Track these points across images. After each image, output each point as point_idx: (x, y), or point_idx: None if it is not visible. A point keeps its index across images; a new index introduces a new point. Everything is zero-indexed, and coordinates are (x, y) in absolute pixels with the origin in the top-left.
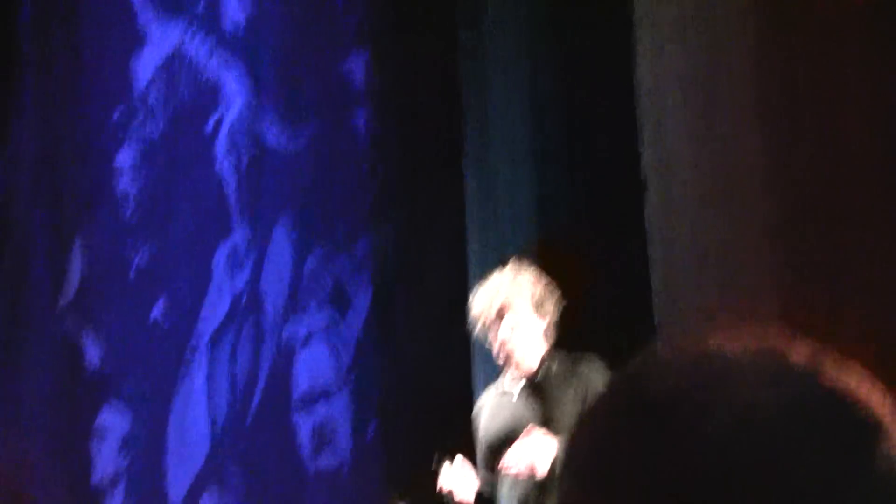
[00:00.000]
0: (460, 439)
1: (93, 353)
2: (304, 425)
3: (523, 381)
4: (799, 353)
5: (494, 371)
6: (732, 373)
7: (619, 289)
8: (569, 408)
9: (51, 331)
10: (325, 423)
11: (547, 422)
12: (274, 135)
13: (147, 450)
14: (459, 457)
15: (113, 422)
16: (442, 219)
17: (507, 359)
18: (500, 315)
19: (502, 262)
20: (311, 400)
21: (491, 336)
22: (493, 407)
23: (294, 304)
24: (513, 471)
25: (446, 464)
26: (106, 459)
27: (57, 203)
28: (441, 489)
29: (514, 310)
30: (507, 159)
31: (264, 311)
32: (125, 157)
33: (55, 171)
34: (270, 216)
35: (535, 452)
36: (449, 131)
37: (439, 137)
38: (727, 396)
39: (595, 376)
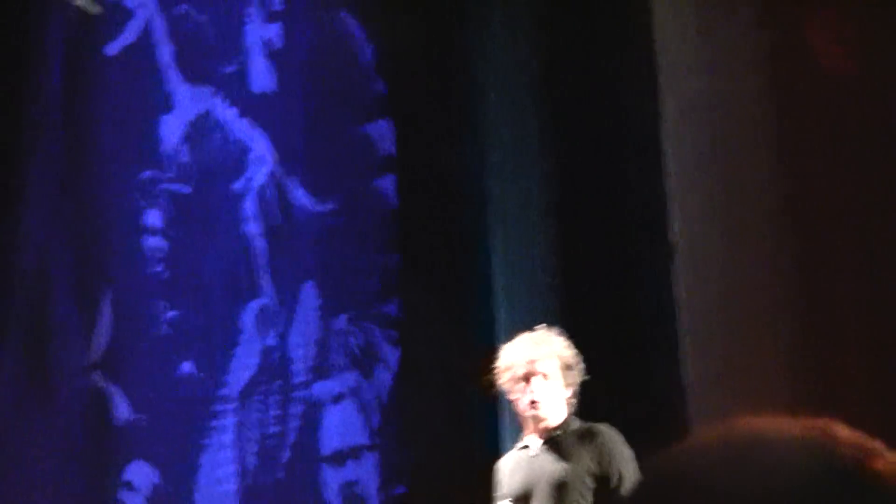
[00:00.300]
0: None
1: (121, 408)
2: (332, 483)
3: (540, 440)
4: (844, 441)
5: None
6: (775, 467)
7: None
8: (583, 469)
9: (80, 385)
10: (353, 482)
11: (562, 479)
12: (301, 197)
13: (176, 503)
14: None
15: (141, 476)
16: (469, 282)
17: (532, 416)
18: (531, 373)
19: (528, 327)
20: (339, 458)
21: (517, 391)
22: (513, 463)
23: (323, 364)
24: None
25: None
26: None
27: (87, 260)
28: None
29: (545, 370)
30: (534, 223)
31: (293, 370)
32: (154, 217)
33: (86, 230)
34: (298, 277)
35: None
36: (476, 194)
37: (466, 202)
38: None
39: (609, 442)
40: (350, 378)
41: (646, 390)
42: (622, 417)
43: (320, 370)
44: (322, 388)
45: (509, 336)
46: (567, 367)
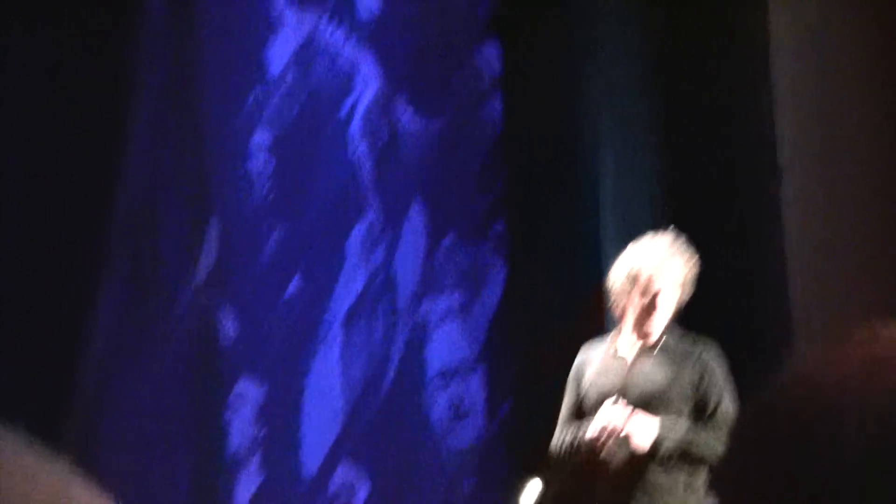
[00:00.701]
0: None
1: (229, 328)
2: (438, 402)
3: (638, 348)
4: None
5: None
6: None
7: (753, 276)
8: (684, 384)
9: (188, 305)
10: (459, 400)
11: (657, 394)
12: (408, 119)
13: (282, 422)
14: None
15: (249, 394)
16: (576, 199)
17: (637, 324)
18: (649, 280)
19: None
20: (445, 377)
21: (631, 297)
22: (602, 364)
23: (429, 283)
24: (611, 425)
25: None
26: (242, 431)
27: (195, 182)
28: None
29: (664, 283)
30: (639, 140)
31: (398, 291)
32: (261, 139)
33: (193, 152)
34: (404, 199)
35: (643, 426)
36: (583, 114)
37: (573, 121)
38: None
39: (713, 363)
40: (457, 297)
41: (750, 308)
42: (725, 332)
43: (427, 289)
44: (429, 307)
45: (617, 251)
46: (684, 284)
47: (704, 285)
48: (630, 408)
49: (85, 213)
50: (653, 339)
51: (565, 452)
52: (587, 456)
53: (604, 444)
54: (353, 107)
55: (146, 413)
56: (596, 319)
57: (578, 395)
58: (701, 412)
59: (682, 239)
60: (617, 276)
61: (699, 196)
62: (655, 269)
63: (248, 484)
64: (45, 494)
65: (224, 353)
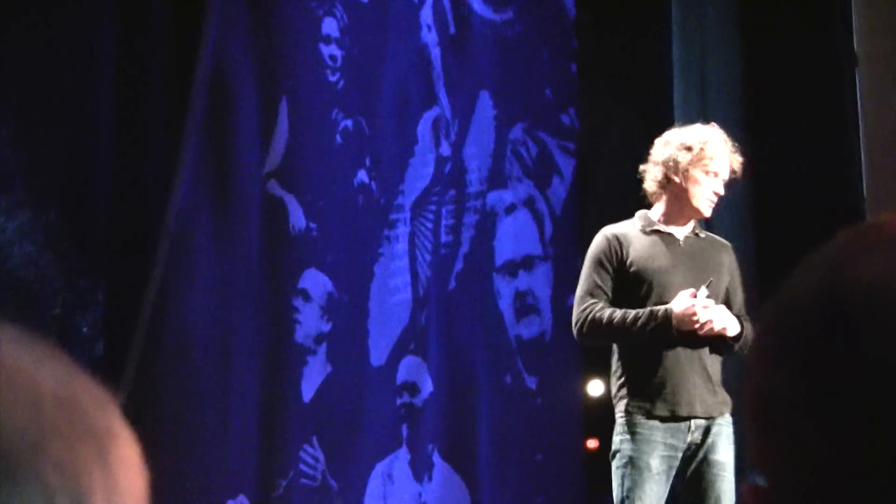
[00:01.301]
0: None
1: (297, 217)
2: (506, 292)
3: (686, 230)
4: None
5: None
6: None
7: (827, 167)
8: (724, 275)
9: (257, 193)
10: (527, 291)
11: (714, 270)
12: (478, 6)
13: (349, 311)
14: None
15: (316, 284)
16: (647, 94)
17: (697, 203)
18: (723, 163)
19: None
20: (512, 268)
21: (703, 178)
22: (646, 242)
23: (497, 174)
24: (709, 326)
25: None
26: (309, 320)
27: (265, 69)
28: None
29: (727, 167)
30: (716, 29)
31: (467, 180)
32: (331, 26)
33: (263, 38)
34: (474, 86)
35: (724, 319)
36: (657, 2)
37: (644, 12)
38: None
39: (734, 264)
40: (524, 188)
41: (823, 202)
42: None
43: (494, 180)
44: (496, 198)
45: None
46: (733, 170)
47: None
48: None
49: (160, 91)
50: (696, 218)
51: (640, 328)
52: (668, 335)
53: (701, 328)
54: None
55: (214, 302)
56: None
57: (619, 274)
58: (725, 303)
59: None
60: (704, 153)
61: (771, 92)
62: (728, 155)
63: (316, 373)
64: (52, 391)
65: (292, 244)
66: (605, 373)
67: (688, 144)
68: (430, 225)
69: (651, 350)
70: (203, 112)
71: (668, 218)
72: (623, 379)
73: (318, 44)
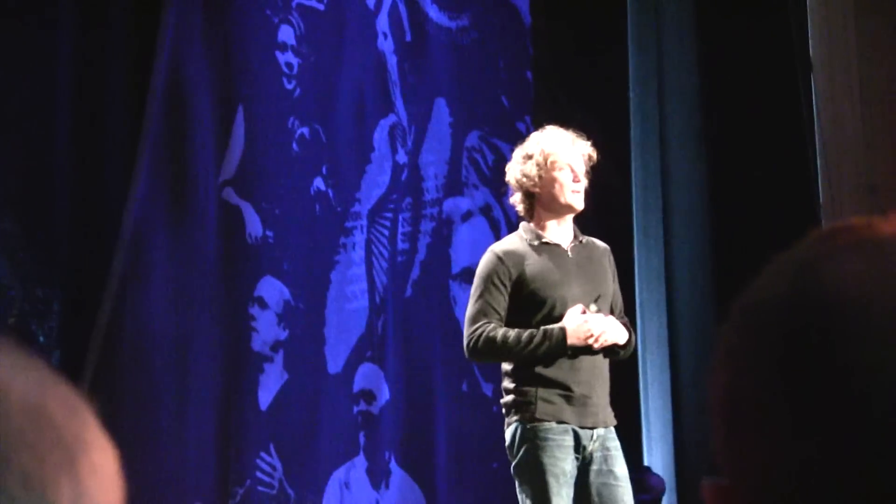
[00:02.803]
0: None
1: (253, 225)
2: (462, 299)
3: (569, 237)
4: None
5: (651, 253)
6: None
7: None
8: (609, 280)
9: (213, 201)
10: None
11: (602, 289)
12: (433, 13)
13: (306, 319)
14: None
15: (272, 292)
16: (607, 95)
17: (559, 204)
18: (579, 166)
19: (663, 137)
20: (469, 275)
21: (566, 177)
22: (537, 258)
23: (453, 181)
24: (602, 339)
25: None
26: (266, 327)
27: (222, 76)
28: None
29: (584, 169)
30: (672, 37)
31: (424, 187)
32: (287, 33)
33: (220, 46)
34: (431, 94)
35: (616, 328)
36: (613, 9)
37: (604, 16)
38: None
39: (613, 267)
40: (481, 195)
41: (779, 211)
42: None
43: (451, 187)
44: (452, 206)
45: (643, 148)
46: (588, 162)
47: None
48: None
49: (117, 99)
50: (572, 224)
51: (534, 348)
52: (562, 352)
53: (593, 344)
54: (380, 2)
55: (169, 309)
56: (624, 219)
57: (513, 292)
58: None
59: None
60: (564, 151)
61: (728, 100)
62: (569, 145)
63: (273, 381)
64: (21, 400)
65: (248, 252)
66: None
67: (528, 153)
68: (386, 232)
69: (559, 358)
70: (159, 120)
71: (549, 227)
72: (527, 387)
73: (274, 51)
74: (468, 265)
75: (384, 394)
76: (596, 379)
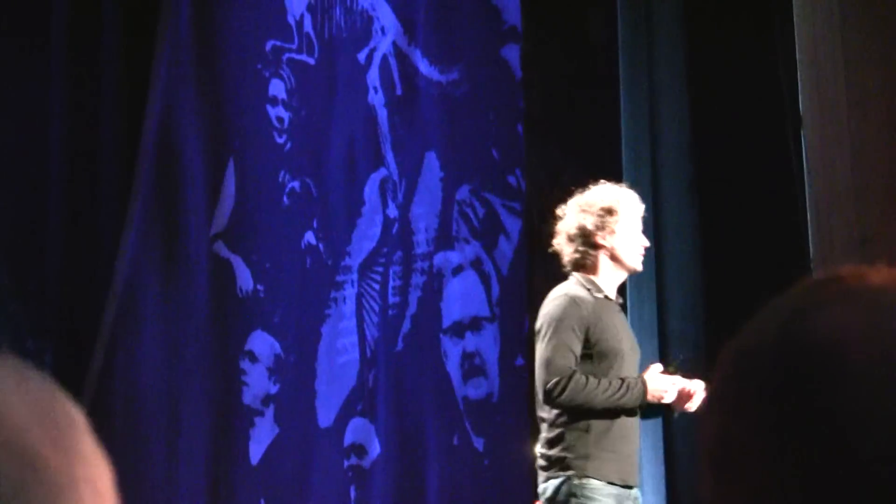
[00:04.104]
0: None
1: (244, 279)
2: (453, 353)
3: (614, 294)
4: None
5: (644, 305)
6: None
7: (772, 217)
8: None
9: (204, 255)
10: (474, 352)
11: (635, 346)
12: (424, 67)
13: (297, 373)
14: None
15: (263, 345)
16: (595, 152)
17: (624, 264)
18: (632, 216)
19: (654, 195)
20: (459, 329)
21: (638, 231)
22: (603, 312)
23: (444, 235)
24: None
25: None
26: (257, 381)
27: (212, 130)
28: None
29: (639, 216)
30: (665, 88)
31: (415, 241)
32: (277, 87)
33: (211, 100)
34: (422, 147)
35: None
36: (604, 61)
37: (594, 69)
38: None
39: None
40: (471, 249)
41: (771, 262)
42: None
43: (441, 241)
44: (443, 259)
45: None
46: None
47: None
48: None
49: (109, 153)
50: (639, 271)
51: (617, 397)
52: (634, 406)
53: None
54: (371, 55)
55: (161, 363)
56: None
57: (586, 340)
58: None
59: None
60: (634, 209)
61: (719, 162)
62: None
63: (264, 434)
64: (27, 406)
65: (238, 306)
66: None
67: (606, 207)
68: (377, 286)
69: (612, 416)
70: (150, 173)
71: (607, 282)
72: (579, 442)
73: (265, 105)
74: (459, 319)
75: (375, 448)
76: (638, 438)
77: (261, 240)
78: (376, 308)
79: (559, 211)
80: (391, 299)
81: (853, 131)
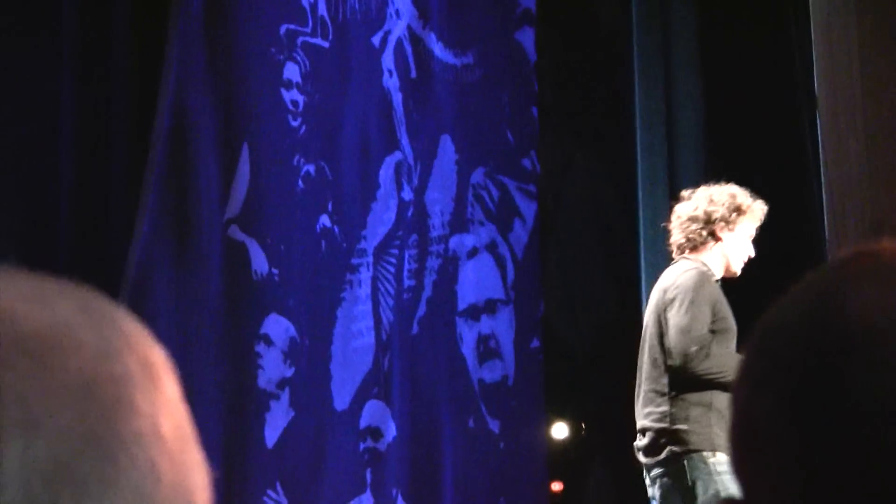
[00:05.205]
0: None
1: (259, 262)
2: (468, 336)
3: None
4: None
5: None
6: None
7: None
8: None
9: (218, 239)
10: (489, 335)
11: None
12: (439, 51)
13: (312, 356)
14: None
15: (278, 329)
16: (609, 135)
17: (728, 264)
18: (753, 223)
19: (671, 181)
20: (475, 312)
21: (749, 237)
22: (720, 292)
23: (459, 218)
24: None
25: None
26: (272, 365)
27: (226, 115)
28: None
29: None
30: (679, 72)
31: (430, 224)
32: (292, 71)
33: (225, 84)
34: (437, 131)
35: None
36: (618, 45)
37: (609, 53)
38: None
39: None
40: (486, 232)
41: (785, 246)
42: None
43: (456, 224)
44: (458, 243)
45: (651, 187)
46: None
47: None
48: None
49: (121, 139)
50: (737, 275)
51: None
52: None
53: None
54: (385, 39)
55: (176, 348)
56: (630, 252)
57: (712, 316)
58: None
59: None
60: (755, 213)
61: (733, 140)
62: None
63: (279, 418)
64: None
65: (253, 290)
66: (567, 416)
67: (738, 205)
68: (392, 269)
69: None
70: (164, 159)
71: (714, 267)
72: (702, 416)
73: (279, 89)
74: (474, 302)
75: (391, 430)
76: None
77: (276, 223)
78: (391, 291)
79: (684, 193)
80: (406, 283)
81: (867, 118)
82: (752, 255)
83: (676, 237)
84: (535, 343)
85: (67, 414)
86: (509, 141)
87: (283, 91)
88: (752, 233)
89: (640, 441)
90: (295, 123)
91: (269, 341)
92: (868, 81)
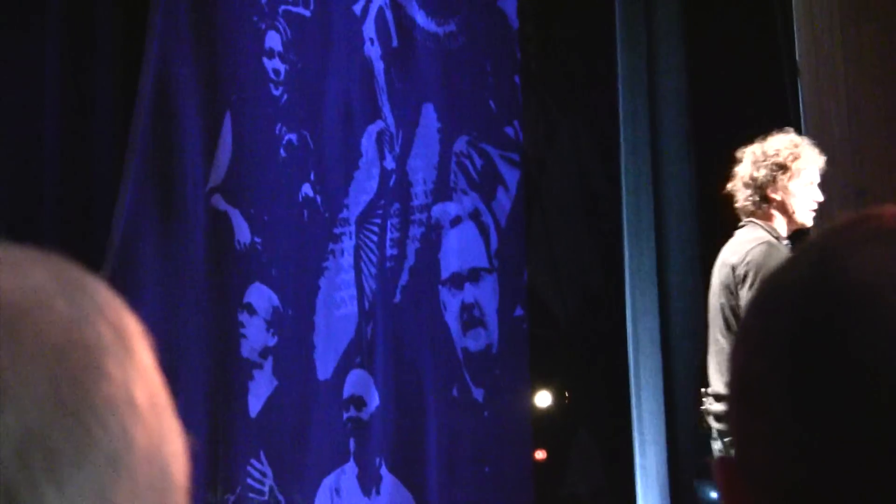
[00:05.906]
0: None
1: (242, 232)
2: (452, 304)
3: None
4: None
5: (643, 256)
6: None
7: None
8: None
9: (201, 209)
10: (473, 303)
11: None
12: (420, 18)
13: (295, 325)
14: None
15: (261, 298)
16: (592, 103)
17: (793, 218)
18: (805, 172)
19: (656, 147)
20: (458, 281)
21: (811, 187)
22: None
23: (442, 187)
24: None
25: None
26: (255, 334)
27: (208, 83)
28: None
29: (814, 170)
30: (662, 40)
31: (412, 193)
32: (273, 40)
33: (207, 53)
34: (419, 99)
35: None
36: (601, 11)
37: (591, 20)
38: None
39: None
40: (469, 200)
41: None
42: None
43: (439, 193)
44: (441, 211)
45: (635, 152)
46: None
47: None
48: None
49: (105, 108)
50: (809, 226)
51: None
52: None
53: None
54: (367, 7)
55: (159, 318)
56: (612, 222)
57: None
58: None
59: None
60: (812, 162)
61: (716, 107)
62: (817, 159)
63: (262, 387)
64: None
65: (236, 259)
66: (552, 384)
67: (780, 163)
68: (375, 238)
69: None
70: (147, 127)
71: (780, 229)
72: None
73: (261, 58)
74: (457, 270)
75: (374, 400)
76: None
77: (258, 193)
78: (374, 260)
79: (738, 153)
80: (389, 251)
81: (849, 85)
82: (821, 199)
83: (739, 201)
84: (519, 311)
85: (38, 382)
86: (492, 109)
87: (265, 60)
88: (815, 178)
89: (713, 406)
90: (277, 92)
91: (252, 310)
92: (849, 47)
